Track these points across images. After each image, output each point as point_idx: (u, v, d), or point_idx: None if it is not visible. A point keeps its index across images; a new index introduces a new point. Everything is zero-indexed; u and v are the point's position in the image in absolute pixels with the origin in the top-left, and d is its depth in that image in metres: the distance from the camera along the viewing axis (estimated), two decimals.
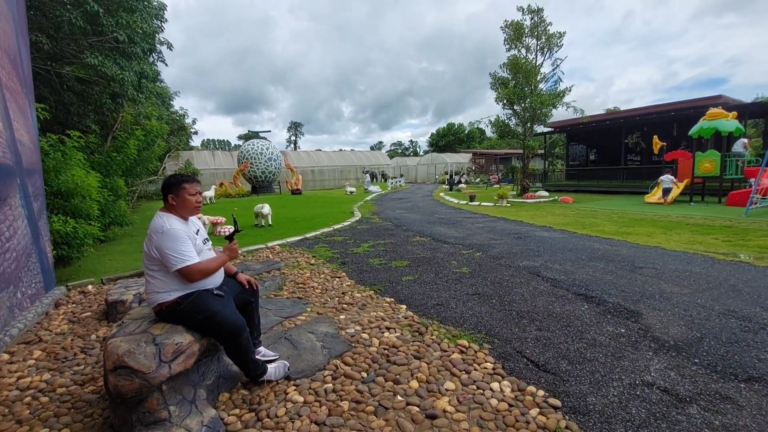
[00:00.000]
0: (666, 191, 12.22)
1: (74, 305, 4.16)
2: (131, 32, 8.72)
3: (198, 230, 2.39)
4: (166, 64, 13.02)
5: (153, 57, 11.63)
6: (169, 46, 12.10)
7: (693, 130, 12.08)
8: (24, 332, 3.42)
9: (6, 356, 2.98)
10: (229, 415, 2.18)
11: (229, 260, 2.42)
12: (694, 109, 14.62)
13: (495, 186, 23.99)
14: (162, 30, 11.35)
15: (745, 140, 12.68)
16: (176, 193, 2.25)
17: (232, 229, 2.63)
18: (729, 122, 11.35)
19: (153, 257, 2.15)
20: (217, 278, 2.36)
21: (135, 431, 1.94)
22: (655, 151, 14.61)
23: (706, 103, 14.18)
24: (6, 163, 3.63)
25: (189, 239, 2.19)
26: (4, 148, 3.64)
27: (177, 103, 31.73)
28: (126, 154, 9.14)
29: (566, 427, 2.01)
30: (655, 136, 14.64)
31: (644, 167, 17.68)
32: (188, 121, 31.43)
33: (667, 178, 12.31)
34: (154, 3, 10.58)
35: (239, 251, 2.28)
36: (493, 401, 2.24)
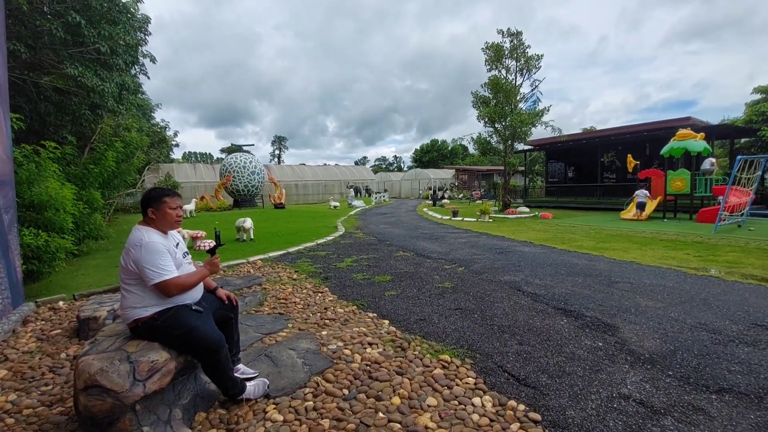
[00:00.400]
0: (640, 205, 12.86)
1: (43, 322, 3.99)
2: (113, 44, 8.64)
3: (178, 243, 2.35)
4: (149, 77, 12.90)
5: (135, 69, 11.51)
6: (152, 59, 12.00)
7: (664, 150, 12.62)
8: None
9: None
10: None
11: (209, 275, 2.37)
12: (665, 130, 15.31)
13: (477, 201, 24.37)
14: (145, 43, 11.27)
15: (713, 159, 13.32)
16: (156, 207, 2.22)
17: (212, 243, 2.59)
18: (697, 143, 11.92)
19: (130, 271, 2.10)
20: (196, 293, 2.32)
21: None
22: (630, 169, 15.18)
23: (676, 125, 14.88)
24: None
25: (168, 253, 2.15)
26: None
27: (158, 115, 31.42)
28: (104, 166, 8.91)
29: None
30: (629, 155, 15.24)
31: (619, 185, 18.29)
32: (170, 133, 30.98)
33: (641, 193, 13.01)
34: (138, 16, 10.52)
35: (220, 266, 2.24)
36: (475, 416, 2.24)
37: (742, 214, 10.61)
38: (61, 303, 4.57)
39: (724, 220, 9.91)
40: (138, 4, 10.30)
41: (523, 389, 2.53)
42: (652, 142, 17.05)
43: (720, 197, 10.68)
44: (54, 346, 3.39)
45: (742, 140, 18.29)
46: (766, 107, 15.28)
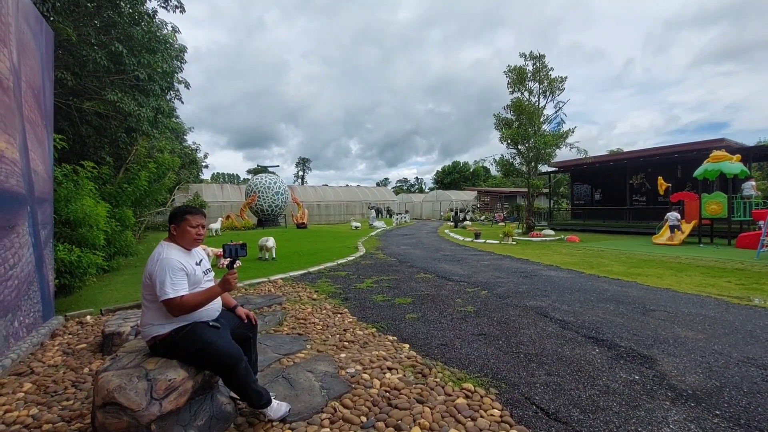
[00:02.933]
0: (672, 228, 12.36)
1: (70, 336, 4.08)
2: (151, 71, 9.16)
3: (201, 261, 2.37)
4: (182, 102, 13.58)
5: (170, 94, 12.14)
6: (186, 85, 12.67)
7: (698, 172, 12.11)
8: (17, 363, 3.33)
9: None
10: None
11: (222, 292, 2.24)
12: (698, 152, 14.75)
13: (500, 224, 23.95)
14: (181, 70, 11.93)
15: (753, 183, 12.69)
16: (178, 223, 2.26)
17: (238, 262, 2.58)
18: (734, 165, 11.38)
19: (148, 286, 2.12)
20: (213, 310, 2.31)
21: None
22: (661, 192, 14.61)
23: (709, 146, 14.31)
24: (19, 192, 3.70)
25: (183, 270, 2.15)
26: (19, 177, 3.72)
27: (190, 138, 32.81)
28: (137, 185, 9.31)
29: None
30: (659, 177, 14.69)
31: (650, 208, 17.61)
32: (200, 155, 32.30)
33: (672, 215, 12.53)
34: (176, 45, 11.18)
35: (237, 284, 2.20)
36: None
37: None
38: (88, 317, 4.68)
39: (766, 246, 9.31)
40: (176, 34, 10.95)
41: (554, 424, 2.36)
42: (683, 164, 16.43)
43: (761, 222, 10.08)
44: (78, 360, 3.44)
45: None
46: None
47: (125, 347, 2.40)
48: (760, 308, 4.85)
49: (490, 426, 2.34)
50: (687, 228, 12.61)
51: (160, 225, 19.32)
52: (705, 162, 12.01)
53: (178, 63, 11.73)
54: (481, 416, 2.45)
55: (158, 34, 9.67)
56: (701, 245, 11.92)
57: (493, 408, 2.54)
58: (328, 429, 2.31)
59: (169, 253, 2.14)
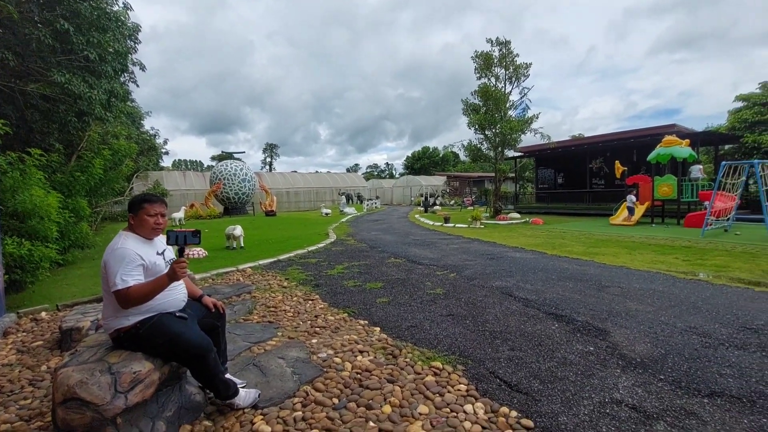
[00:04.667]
0: (630, 210, 13.20)
1: (24, 334, 3.87)
2: (102, 51, 8.56)
3: (164, 251, 2.30)
4: (138, 85, 12.80)
5: (125, 77, 11.41)
6: (142, 67, 11.93)
7: (651, 156, 12.83)
8: None
9: None
10: None
11: (170, 282, 2.07)
12: (651, 137, 15.58)
13: (469, 208, 24.47)
14: (135, 50, 11.21)
15: (701, 166, 13.58)
16: (135, 212, 2.18)
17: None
18: (683, 149, 12.14)
19: (104, 276, 2.05)
20: (179, 301, 2.26)
21: None
22: (618, 176, 15.38)
23: (662, 132, 15.15)
24: None
25: (138, 261, 2.05)
26: None
27: (148, 123, 31.18)
28: (91, 174, 8.78)
29: None
30: (617, 161, 15.45)
31: (608, 190, 18.52)
32: (159, 141, 30.76)
33: (630, 198, 13.41)
34: (129, 24, 10.46)
35: (184, 272, 2.10)
36: (467, 424, 2.21)
37: (728, 219, 10.80)
38: (43, 314, 4.45)
39: (710, 224, 10.07)
40: (128, 12, 10.25)
41: (516, 395, 2.50)
42: (639, 148, 17.33)
43: (706, 202, 10.86)
44: (35, 358, 3.29)
45: (726, 147, 18.71)
46: (748, 114, 15.68)
47: (86, 342, 2.32)
48: (702, 282, 5.27)
49: (456, 400, 2.45)
50: (641, 209, 13.39)
51: (119, 215, 18.43)
52: (658, 146, 12.73)
53: (132, 43, 11.01)
54: (449, 392, 2.56)
55: (108, 10, 9.01)
56: (653, 225, 12.72)
57: (459, 383, 2.66)
58: (300, 412, 2.34)
59: (125, 243, 2.06)
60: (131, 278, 1.99)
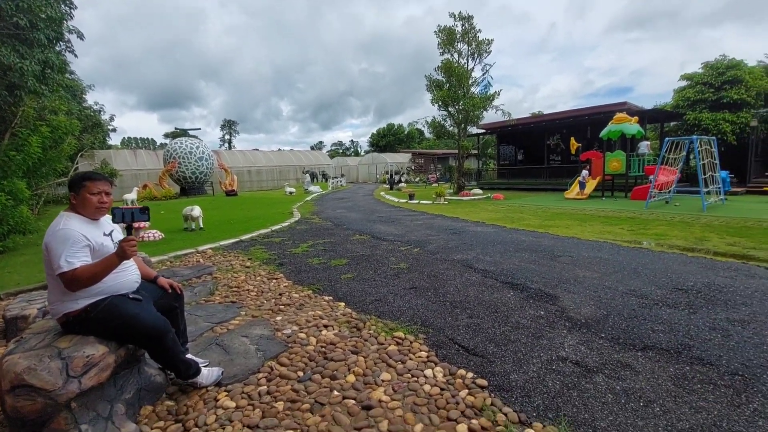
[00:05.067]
0: (582, 185, 14.06)
1: None
2: (33, 17, 7.75)
3: (112, 231, 2.20)
4: (76, 55, 11.67)
5: (61, 46, 10.40)
6: (80, 35, 10.88)
7: (603, 133, 13.48)
8: None
9: None
10: (152, 429, 2.04)
11: (119, 262, 2.00)
12: (604, 114, 16.30)
13: (433, 185, 24.82)
14: (71, 17, 10.20)
15: (648, 142, 14.45)
16: (77, 191, 2.06)
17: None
18: (632, 126, 12.83)
19: (47, 260, 1.94)
20: (132, 282, 2.19)
21: None
22: (573, 152, 16.09)
23: (614, 109, 15.89)
24: None
25: (83, 242, 1.96)
26: None
27: (91, 98, 28.82)
28: (28, 153, 8.05)
29: (492, 404, 2.15)
30: (572, 138, 16.13)
31: (564, 166, 19.35)
32: (105, 117, 28.58)
33: (584, 173, 14.27)
34: None
35: (133, 251, 2.01)
36: (426, 387, 2.33)
37: (670, 192, 11.66)
38: None
39: (654, 197, 10.84)
40: None
41: (472, 358, 2.66)
42: (592, 125, 18.10)
43: (651, 176, 11.63)
44: None
45: (671, 123, 19.92)
46: (691, 93, 16.70)
47: (32, 328, 2.21)
48: (644, 249, 5.71)
49: (417, 366, 2.57)
50: (592, 183, 14.15)
51: (63, 197, 17.15)
52: (609, 123, 13.37)
53: (67, 8, 10.00)
54: (410, 359, 2.68)
55: None
56: (603, 198, 13.51)
57: (421, 351, 2.79)
58: (265, 387, 2.38)
59: (68, 223, 1.95)
60: (77, 259, 1.90)
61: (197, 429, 2.01)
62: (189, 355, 2.46)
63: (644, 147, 13.98)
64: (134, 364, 2.24)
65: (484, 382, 2.35)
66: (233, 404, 2.20)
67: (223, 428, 2.00)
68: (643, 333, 2.95)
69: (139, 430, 2.00)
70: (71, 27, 10.32)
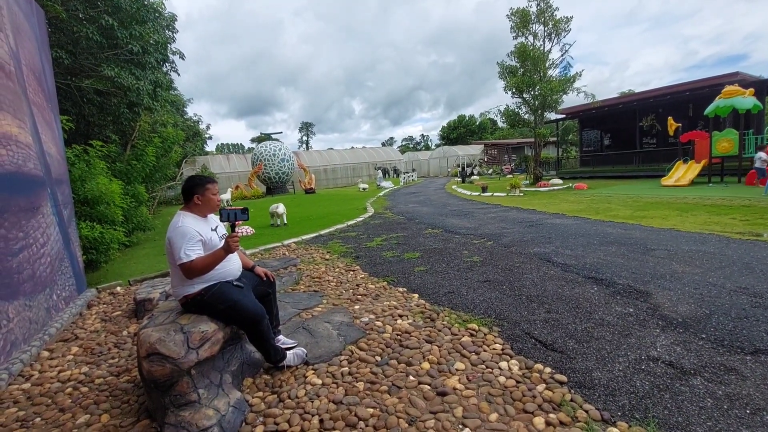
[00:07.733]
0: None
1: (105, 305, 4.42)
2: (144, 43, 9.03)
3: (217, 227, 2.55)
4: (179, 74, 13.38)
5: (166, 66, 11.97)
6: (181, 56, 12.42)
7: (709, 109, 11.80)
8: (61, 331, 3.67)
9: (46, 353, 3.22)
10: (253, 398, 2.34)
11: (225, 255, 2.30)
12: (710, 88, 14.22)
13: (508, 176, 23.83)
14: (174, 40, 11.68)
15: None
16: (202, 192, 2.43)
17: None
18: (746, 99, 11.04)
19: (169, 251, 2.33)
20: (235, 270, 2.52)
21: (168, 413, 2.12)
22: (671, 133, 14.30)
23: (722, 81, 13.76)
24: (37, 174, 3.89)
25: (197, 237, 2.30)
26: (35, 160, 3.89)
27: (190, 110, 32.54)
28: (145, 161, 9.47)
29: (571, 400, 2.10)
30: (669, 118, 14.32)
31: (660, 150, 17.29)
32: (202, 126, 32.15)
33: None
34: (165, 14, 10.88)
35: (236, 245, 2.34)
36: (501, 378, 2.34)
37: None
38: (118, 288, 5.02)
39: None
40: (164, 2, 10.63)
41: (550, 354, 2.59)
42: (695, 102, 15.90)
43: None
44: (116, 325, 3.77)
45: None
46: None
47: (159, 307, 2.66)
48: (760, 242, 4.95)
49: (492, 358, 2.58)
50: (696, 168, 12.46)
51: (173, 199, 19.69)
52: (717, 98, 11.66)
53: (170, 33, 11.48)
54: (484, 350, 2.69)
55: (145, 2, 9.42)
56: (710, 184, 11.83)
57: (495, 343, 2.79)
58: (347, 368, 2.58)
59: (185, 221, 2.32)
60: (193, 252, 2.26)
61: (290, 400, 2.26)
62: (281, 336, 2.77)
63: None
64: (237, 341, 2.58)
65: (563, 378, 2.29)
66: (319, 381, 2.43)
67: (312, 402, 2.23)
68: (755, 335, 2.61)
69: (243, 397, 2.31)
70: (174, 49, 11.78)
